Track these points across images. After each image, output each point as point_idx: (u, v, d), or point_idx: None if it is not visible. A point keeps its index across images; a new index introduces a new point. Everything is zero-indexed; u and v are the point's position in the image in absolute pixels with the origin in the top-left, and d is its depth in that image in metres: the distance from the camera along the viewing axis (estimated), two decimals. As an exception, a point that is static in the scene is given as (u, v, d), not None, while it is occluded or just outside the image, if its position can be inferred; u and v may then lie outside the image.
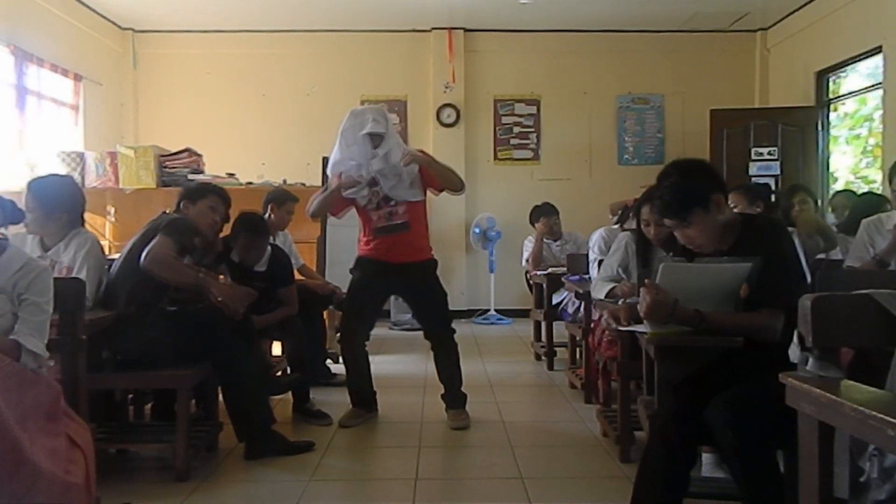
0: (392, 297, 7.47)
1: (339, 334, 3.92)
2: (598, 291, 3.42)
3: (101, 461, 2.30)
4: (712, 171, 2.28)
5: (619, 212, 4.91)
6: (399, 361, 5.57)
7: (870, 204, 4.37)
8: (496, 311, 7.72)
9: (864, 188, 6.50)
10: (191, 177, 5.56)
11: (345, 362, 3.85)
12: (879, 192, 5.52)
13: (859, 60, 6.49)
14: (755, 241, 2.14)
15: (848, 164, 7.27)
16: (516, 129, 8.11)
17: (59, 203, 2.97)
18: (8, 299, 2.04)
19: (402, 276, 3.70)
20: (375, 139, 3.58)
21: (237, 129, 7.76)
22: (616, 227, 4.39)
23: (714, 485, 2.67)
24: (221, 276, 3.38)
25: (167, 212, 3.41)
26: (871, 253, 3.29)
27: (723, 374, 2.11)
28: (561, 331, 5.16)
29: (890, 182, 3.37)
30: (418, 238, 3.73)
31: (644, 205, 3.28)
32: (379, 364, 5.39)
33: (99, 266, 3.04)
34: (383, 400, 3.96)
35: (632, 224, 3.94)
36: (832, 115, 7.17)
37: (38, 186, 2.95)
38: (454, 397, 3.82)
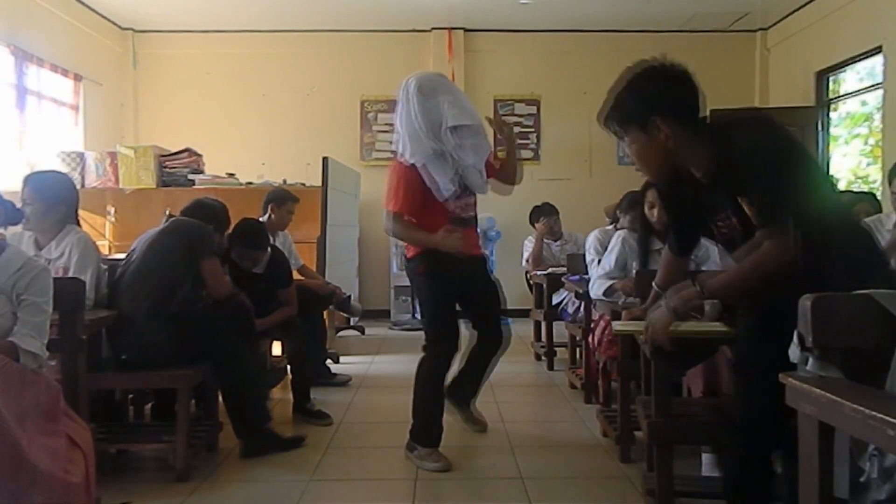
0: (392, 297, 7.51)
1: (427, 359, 3.22)
2: (597, 289, 3.43)
3: (101, 461, 2.30)
4: (672, 86, 1.91)
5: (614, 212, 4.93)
6: (399, 361, 5.56)
7: (857, 201, 4.39)
8: (496, 311, 7.70)
9: (865, 188, 6.51)
10: (191, 177, 5.56)
11: (425, 394, 3.18)
12: (879, 192, 5.52)
13: (859, 60, 6.49)
14: (734, 162, 1.78)
15: (848, 164, 7.27)
16: (516, 129, 8.08)
17: (59, 195, 2.98)
18: (7, 299, 2.04)
19: (468, 269, 3.26)
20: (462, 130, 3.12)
21: (237, 129, 7.76)
22: (610, 227, 4.41)
23: (714, 484, 2.67)
24: None
25: (172, 214, 3.44)
26: None
27: None
28: (561, 331, 5.16)
29: (889, 184, 3.37)
30: (476, 233, 3.44)
31: (649, 188, 3.29)
32: (379, 364, 5.40)
33: (98, 266, 3.05)
34: (383, 400, 3.96)
35: (624, 223, 3.97)
36: (832, 115, 7.17)
37: (37, 179, 2.96)
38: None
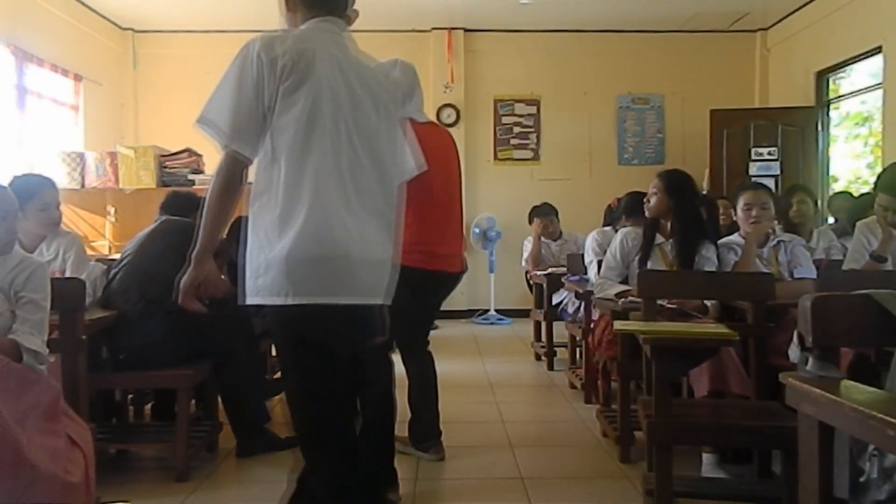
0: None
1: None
2: (608, 290, 3.41)
3: (101, 461, 2.30)
4: None
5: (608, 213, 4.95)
6: (399, 361, 5.54)
7: (869, 205, 4.36)
8: (496, 311, 7.72)
9: (864, 189, 6.50)
10: (190, 177, 5.56)
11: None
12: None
13: (859, 60, 6.49)
14: None
15: (848, 164, 7.27)
16: (516, 129, 8.11)
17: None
18: (6, 298, 2.04)
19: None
20: None
21: (237, 129, 7.75)
22: (608, 228, 4.41)
23: (714, 485, 2.68)
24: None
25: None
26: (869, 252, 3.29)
27: None
28: (561, 331, 5.16)
29: (875, 193, 3.36)
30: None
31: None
32: (379, 364, 5.38)
33: (89, 266, 3.08)
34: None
35: (623, 223, 3.98)
36: (832, 115, 7.17)
37: (50, 183, 2.98)
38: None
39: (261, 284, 1.76)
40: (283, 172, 1.75)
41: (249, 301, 1.78)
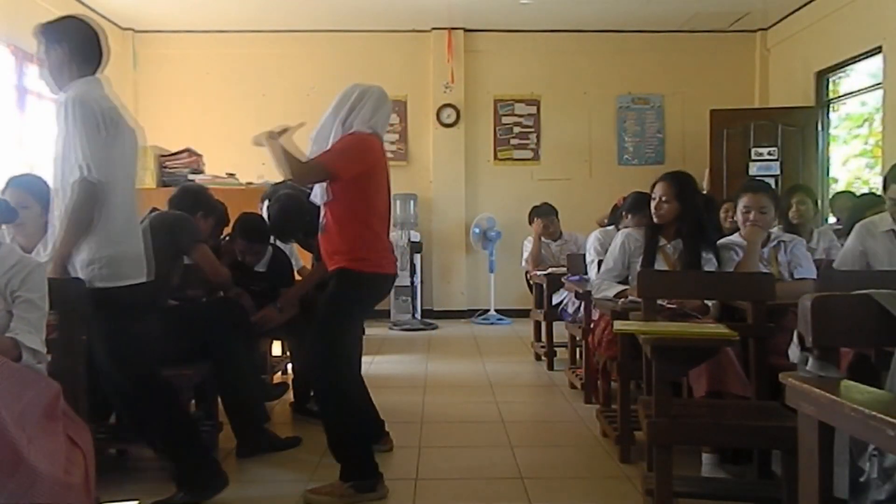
0: (392, 297, 7.50)
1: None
2: (606, 290, 3.40)
3: (101, 461, 2.30)
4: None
5: (611, 215, 4.93)
6: (399, 361, 5.57)
7: (870, 205, 4.35)
8: (496, 311, 7.71)
9: (864, 189, 6.50)
10: (191, 177, 5.57)
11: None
12: (879, 192, 5.52)
13: (859, 60, 6.49)
14: None
15: (848, 164, 7.27)
16: (516, 129, 8.11)
17: (48, 196, 2.98)
18: (2, 297, 2.04)
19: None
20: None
21: (237, 129, 7.72)
22: (611, 228, 4.41)
23: (714, 485, 2.68)
24: None
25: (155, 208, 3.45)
26: (865, 258, 3.28)
27: None
28: (561, 331, 5.17)
29: (885, 189, 3.35)
30: (331, 242, 2.93)
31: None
32: (379, 364, 5.40)
33: None
34: (383, 400, 3.95)
35: (628, 223, 3.97)
36: (832, 115, 7.17)
37: (31, 182, 2.95)
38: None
39: (93, 274, 2.42)
40: (108, 198, 2.43)
41: (90, 286, 2.39)
